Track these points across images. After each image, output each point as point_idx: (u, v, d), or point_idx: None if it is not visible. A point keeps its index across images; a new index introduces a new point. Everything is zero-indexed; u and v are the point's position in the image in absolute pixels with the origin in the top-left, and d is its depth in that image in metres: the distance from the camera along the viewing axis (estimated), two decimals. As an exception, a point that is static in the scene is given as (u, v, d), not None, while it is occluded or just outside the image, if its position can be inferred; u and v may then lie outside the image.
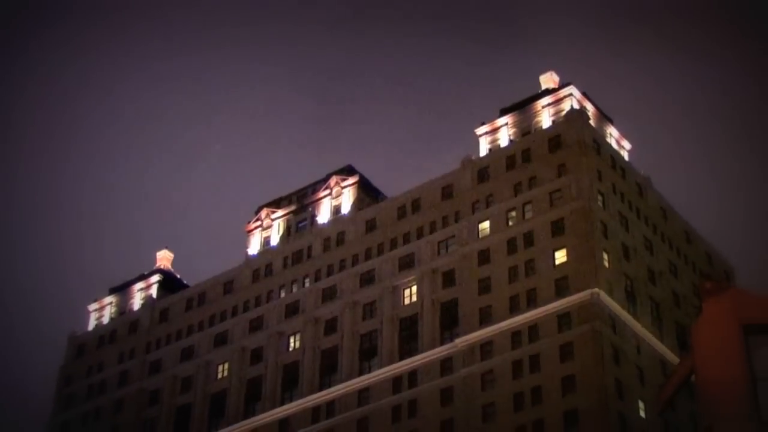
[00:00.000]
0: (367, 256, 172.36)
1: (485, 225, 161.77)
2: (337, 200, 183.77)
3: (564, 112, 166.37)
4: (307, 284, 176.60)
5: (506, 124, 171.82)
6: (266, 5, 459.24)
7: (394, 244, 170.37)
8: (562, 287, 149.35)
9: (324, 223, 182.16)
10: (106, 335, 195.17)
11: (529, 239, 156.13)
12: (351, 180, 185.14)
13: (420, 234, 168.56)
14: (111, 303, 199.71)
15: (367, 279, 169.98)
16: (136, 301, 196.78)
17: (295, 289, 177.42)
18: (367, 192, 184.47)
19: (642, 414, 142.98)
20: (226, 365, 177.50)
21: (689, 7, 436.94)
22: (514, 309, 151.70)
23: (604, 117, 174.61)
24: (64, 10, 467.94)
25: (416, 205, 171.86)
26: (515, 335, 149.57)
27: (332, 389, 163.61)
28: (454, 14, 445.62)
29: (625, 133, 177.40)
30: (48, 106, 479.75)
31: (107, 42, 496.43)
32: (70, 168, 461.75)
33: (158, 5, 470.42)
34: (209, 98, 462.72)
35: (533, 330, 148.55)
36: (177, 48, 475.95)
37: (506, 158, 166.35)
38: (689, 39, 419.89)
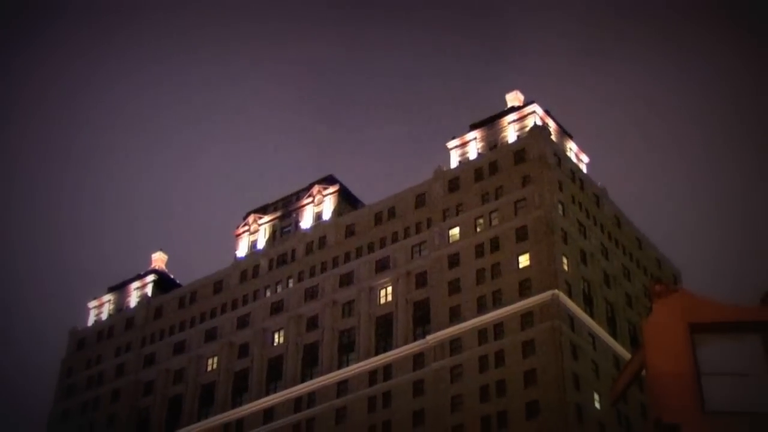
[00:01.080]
0: (346, 258, 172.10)
1: (455, 231, 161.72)
2: (319, 207, 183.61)
3: (528, 128, 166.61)
4: (290, 284, 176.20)
5: (475, 138, 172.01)
6: (238, 27, 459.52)
7: (371, 248, 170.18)
8: (525, 289, 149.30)
9: (306, 229, 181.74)
10: (104, 330, 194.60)
11: (495, 244, 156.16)
12: (332, 189, 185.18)
13: (395, 239, 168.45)
14: (109, 301, 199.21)
15: (346, 280, 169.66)
16: (133, 299, 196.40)
17: (279, 289, 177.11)
18: (346, 200, 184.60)
19: (597, 405, 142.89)
20: (215, 359, 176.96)
21: (642, 34, 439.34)
22: (481, 308, 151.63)
23: (565, 133, 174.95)
24: (60, 12, 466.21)
25: (392, 213, 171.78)
26: (482, 332, 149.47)
27: (313, 381, 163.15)
28: (427, 38, 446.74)
29: (583, 148, 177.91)
30: (50, 111, 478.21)
31: (107, 45, 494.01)
32: (70, 173, 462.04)
33: (144, 20, 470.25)
34: (200, 112, 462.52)
35: (498, 328, 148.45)
36: (178, 52, 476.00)
37: (475, 170, 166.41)
38: (642, 62, 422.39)
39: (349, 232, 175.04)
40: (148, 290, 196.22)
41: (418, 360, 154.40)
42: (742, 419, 29.08)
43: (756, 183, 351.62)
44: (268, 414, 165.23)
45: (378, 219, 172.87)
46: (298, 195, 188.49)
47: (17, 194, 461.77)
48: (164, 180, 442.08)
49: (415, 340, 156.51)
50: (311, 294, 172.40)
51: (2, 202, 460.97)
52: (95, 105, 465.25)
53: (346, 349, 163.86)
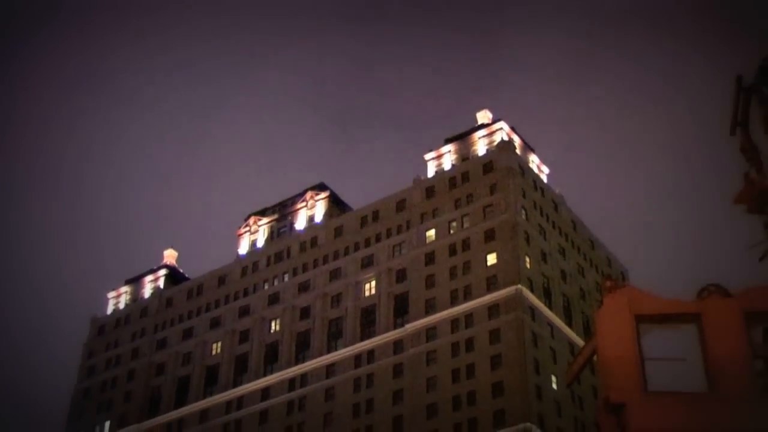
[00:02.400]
0: (335, 256, 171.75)
1: (431, 233, 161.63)
2: (312, 211, 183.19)
3: (495, 143, 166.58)
4: (286, 279, 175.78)
5: (449, 151, 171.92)
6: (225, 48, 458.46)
7: (357, 247, 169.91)
8: (492, 284, 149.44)
9: (300, 230, 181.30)
10: (121, 318, 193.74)
11: (466, 245, 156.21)
12: (323, 195, 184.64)
13: (378, 239, 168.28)
14: (126, 292, 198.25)
15: (335, 275, 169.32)
16: (147, 291, 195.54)
17: (276, 283, 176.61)
18: (336, 204, 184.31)
19: (554, 386, 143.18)
20: (219, 344, 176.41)
21: (598, 61, 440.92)
22: (453, 301, 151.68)
23: (528, 147, 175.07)
24: (59, 9, 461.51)
25: (375, 216, 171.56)
26: (454, 322, 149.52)
27: (305, 364, 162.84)
28: (408, 60, 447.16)
29: (544, 160, 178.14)
30: (74, 111, 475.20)
31: (133, 44, 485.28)
32: (93, 178, 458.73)
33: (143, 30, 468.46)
34: (208, 129, 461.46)
35: (468, 318, 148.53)
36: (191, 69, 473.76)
37: (449, 179, 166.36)
38: (596, 86, 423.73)
39: (338, 233, 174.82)
40: (161, 283, 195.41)
41: (397, 346, 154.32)
42: (679, 398, 29.32)
43: (693, 192, 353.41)
44: (265, 392, 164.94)
45: (363, 222, 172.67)
46: (293, 200, 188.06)
47: (46, 196, 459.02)
48: (176, 186, 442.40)
49: (395, 328, 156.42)
50: (304, 287, 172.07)
51: (33, 204, 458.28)
52: (124, 114, 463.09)
53: (335, 336, 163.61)
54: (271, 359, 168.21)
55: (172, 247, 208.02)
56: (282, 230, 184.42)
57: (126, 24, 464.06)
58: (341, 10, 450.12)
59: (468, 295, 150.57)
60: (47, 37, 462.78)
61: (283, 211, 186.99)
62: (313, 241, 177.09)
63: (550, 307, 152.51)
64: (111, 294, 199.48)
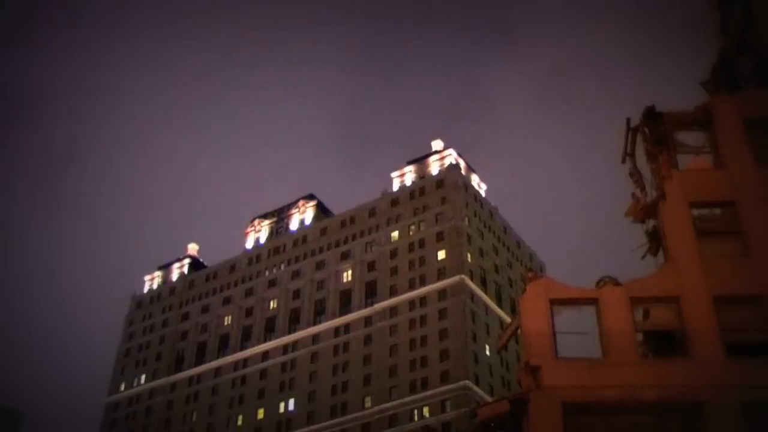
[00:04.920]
0: (321, 251, 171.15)
1: (395, 234, 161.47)
2: (303, 215, 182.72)
3: (446, 165, 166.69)
4: (282, 268, 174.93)
5: (410, 170, 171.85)
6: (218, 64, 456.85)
7: (337, 244, 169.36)
8: (441, 274, 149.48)
9: (293, 230, 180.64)
10: (154, 296, 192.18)
11: (422, 243, 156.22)
12: (312, 203, 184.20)
13: (354, 238, 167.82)
14: (158, 276, 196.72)
15: (320, 266, 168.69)
16: (174, 275, 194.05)
17: (274, 271, 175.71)
18: (322, 210, 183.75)
19: (487, 353, 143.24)
20: (230, 317, 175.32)
21: (522, 98, 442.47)
22: (411, 286, 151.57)
23: (470, 168, 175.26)
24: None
25: (352, 220, 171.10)
26: (411, 303, 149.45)
27: (296, 334, 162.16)
28: (378, 96, 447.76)
29: (483, 179, 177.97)
30: (127, 115, 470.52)
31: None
32: (135, 186, 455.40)
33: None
34: (227, 149, 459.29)
35: (423, 300, 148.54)
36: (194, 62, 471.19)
37: (410, 192, 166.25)
38: (519, 119, 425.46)
39: (323, 233, 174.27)
40: (185, 269, 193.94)
41: (367, 321, 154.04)
42: (580, 362, 29.61)
43: (597, 205, 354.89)
44: (265, 355, 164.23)
45: (343, 224, 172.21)
46: (289, 206, 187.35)
47: (105, 200, 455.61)
48: (200, 194, 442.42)
49: (366, 307, 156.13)
50: (296, 274, 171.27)
51: (94, 206, 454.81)
52: (169, 134, 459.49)
53: (319, 313, 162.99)
54: (270, 330, 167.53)
55: (194, 241, 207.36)
56: (279, 230, 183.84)
57: (173, 40, 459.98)
58: (323, 53, 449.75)
59: (422, 283, 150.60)
60: (103, 46, 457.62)
61: (281, 215, 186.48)
62: (304, 239, 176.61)
63: (485, 292, 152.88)
64: (147, 277, 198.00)
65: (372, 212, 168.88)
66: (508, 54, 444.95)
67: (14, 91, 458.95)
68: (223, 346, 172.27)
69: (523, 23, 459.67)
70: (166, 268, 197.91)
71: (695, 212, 32.35)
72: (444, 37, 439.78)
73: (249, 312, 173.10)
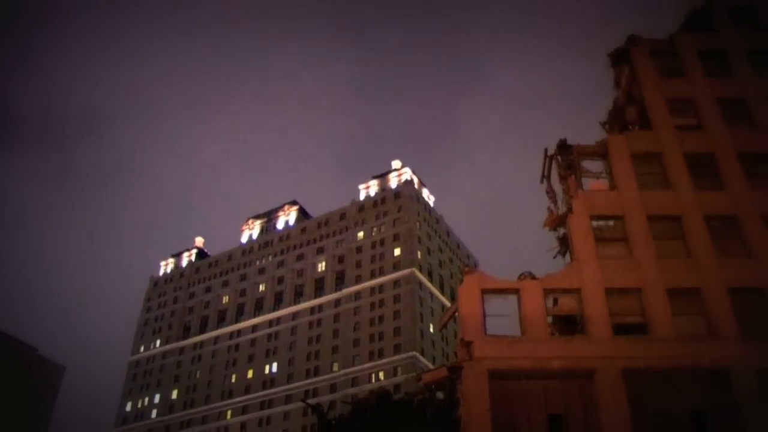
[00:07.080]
0: (301, 246, 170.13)
1: (361, 234, 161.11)
2: (287, 217, 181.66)
3: (403, 180, 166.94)
4: (270, 259, 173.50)
5: (375, 183, 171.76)
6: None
7: (315, 241, 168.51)
8: (397, 266, 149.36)
9: (280, 229, 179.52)
10: (168, 278, 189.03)
11: (382, 242, 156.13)
12: (294, 207, 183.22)
13: (328, 236, 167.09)
14: (171, 262, 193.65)
15: (300, 258, 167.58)
16: (184, 261, 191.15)
17: (264, 262, 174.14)
18: (303, 213, 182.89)
19: (431, 330, 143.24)
20: (227, 296, 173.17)
21: (476, 121, 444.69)
22: (372, 275, 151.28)
23: (422, 183, 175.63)
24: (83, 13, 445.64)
25: (327, 222, 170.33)
26: (372, 289, 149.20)
27: (279, 312, 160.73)
28: (352, 121, 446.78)
29: (431, 192, 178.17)
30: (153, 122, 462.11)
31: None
32: (153, 187, 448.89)
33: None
34: (231, 157, 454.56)
35: (381, 287, 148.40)
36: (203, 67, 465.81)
37: (373, 201, 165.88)
38: (464, 139, 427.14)
39: (303, 231, 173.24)
40: (193, 257, 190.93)
41: (337, 303, 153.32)
42: (504, 339, 30.00)
43: (482, 216, 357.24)
44: (255, 328, 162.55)
45: (319, 225, 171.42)
46: (276, 210, 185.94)
47: (125, 196, 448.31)
48: (206, 196, 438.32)
49: (336, 292, 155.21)
50: (281, 264, 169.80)
51: (125, 202, 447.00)
52: (192, 143, 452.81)
53: (298, 295, 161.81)
54: (259, 308, 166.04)
55: (200, 235, 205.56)
56: (268, 228, 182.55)
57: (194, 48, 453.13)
58: (315, 83, 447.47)
59: (381, 273, 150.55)
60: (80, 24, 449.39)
61: (269, 216, 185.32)
62: (288, 236, 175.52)
63: (431, 282, 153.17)
64: (162, 262, 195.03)
65: (343, 216, 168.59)
66: (476, 92, 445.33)
67: (97, 111, 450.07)
68: (221, 319, 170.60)
69: (490, 68, 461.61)
70: (177, 256, 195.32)
71: (595, 223, 33.28)
72: (425, 74, 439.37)
73: (242, 293, 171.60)
